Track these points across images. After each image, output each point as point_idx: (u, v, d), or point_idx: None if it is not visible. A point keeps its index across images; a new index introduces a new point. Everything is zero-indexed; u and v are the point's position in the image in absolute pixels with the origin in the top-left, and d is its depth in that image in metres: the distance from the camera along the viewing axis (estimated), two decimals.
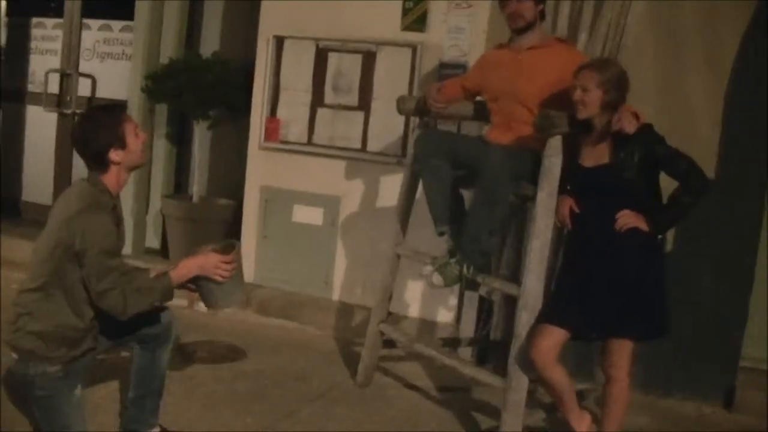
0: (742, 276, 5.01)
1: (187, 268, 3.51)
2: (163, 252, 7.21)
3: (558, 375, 3.92)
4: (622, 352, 3.94)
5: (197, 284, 3.59)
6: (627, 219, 3.79)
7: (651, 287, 3.84)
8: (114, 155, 3.43)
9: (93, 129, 3.44)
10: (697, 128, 4.96)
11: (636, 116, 3.82)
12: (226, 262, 3.55)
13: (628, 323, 3.85)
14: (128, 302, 3.31)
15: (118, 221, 3.55)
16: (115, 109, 3.64)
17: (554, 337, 3.86)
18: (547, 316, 3.96)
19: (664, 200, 3.87)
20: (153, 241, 7.38)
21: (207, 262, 3.53)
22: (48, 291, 3.34)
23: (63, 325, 3.35)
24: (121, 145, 3.44)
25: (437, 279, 4.32)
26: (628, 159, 3.77)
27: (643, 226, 3.77)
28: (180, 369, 4.84)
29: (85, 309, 3.39)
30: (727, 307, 5.03)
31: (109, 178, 3.48)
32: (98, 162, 3.45)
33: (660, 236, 3.89)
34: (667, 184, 3.83)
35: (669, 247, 4.78)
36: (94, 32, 7.74)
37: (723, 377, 5.05)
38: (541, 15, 4.45)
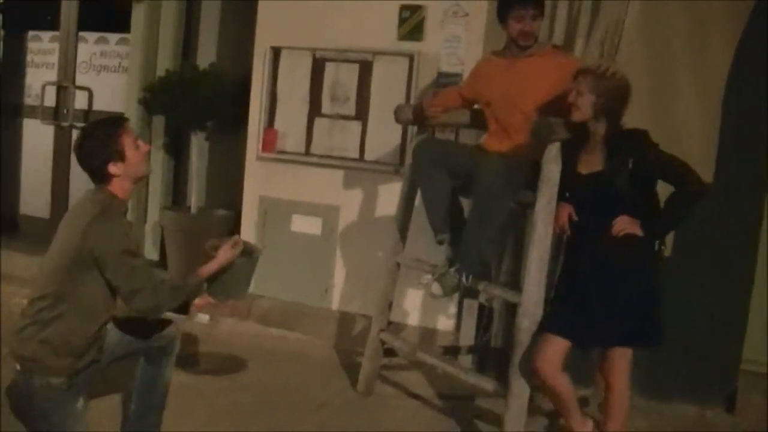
0: (740, 280, 5.01)
1: (214, 263, 3.68)
2: (162, 264, 7.19)
3: (562, 384, 3.92)
4: (622, 359, 3.95)
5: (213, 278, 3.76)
6: (623, 225, 3.78)
7: (648, 295, 3.85)
8: (113, 168, 3.45)
9: (91, 143, 3.48)
10: (692, 140, 4.95)
11: None
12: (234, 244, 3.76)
13: (627, 332, 3.86)
14: (160, 300, 3.41)
15: (130, 227, 3.59)
16: (114, 121, 3.64)
17: (557, 346, 3.86)
18: (549, 325, 3.96)
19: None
20: (151, 253, 7.36)
21: (225, 253, 3.71)
22: (58, 299, 3.35)
23: (71, 333, 3.35)
24: (120, 157, 3.46)
25: (436, 288, 4.32)
26: (622, 165, 3.77)
27: (639, 231, 3.77)
28: (181, 381, 4.84)
29: (95, 318, 3.42)
30: (727, 310, 5.03)
31: (114, 189, 3.50)
32: (99, 176, 3.48)
33: (658, 242, 3.89)
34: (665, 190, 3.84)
35: (668, 252, 4.79)
36: (90, 45, 7.73)
37: (724, 381, 5.05)
38: None
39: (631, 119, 3.94)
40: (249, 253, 3.90)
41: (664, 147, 3.82)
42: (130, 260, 3.36)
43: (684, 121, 4.97)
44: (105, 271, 3.34)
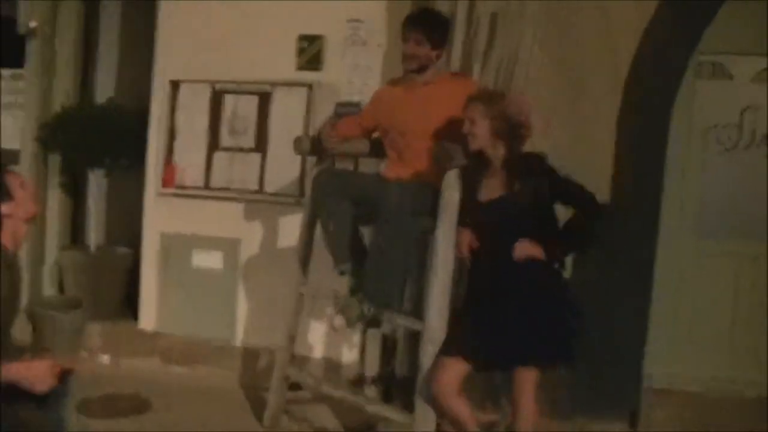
0: (639, 296, 5.08)
1: (15, 371, 3.17)
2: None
3: (458, 406, 3.91)
4: (528, 381, 3.94)
5: None
6: (524, 248, 3.81)
7: (552, 314, 3.86)
8: (4, 208, 3.35)
9: None
10: (593, 154, 5.02)
11: None
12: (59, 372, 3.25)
13: (532, 352, 3.85)
14: None
15: (18, 279, 3.45)
16: None
17: (455, 369, 3.86)
18: (448, 348, 3.95)
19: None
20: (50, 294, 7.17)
21: (30, 373, 3.18)
22: None
23: None
24: (8, 197, 3.36)
25: (339, 321, 4.29)
26: (523, 190, 3.81)
27: (540, 254, 3.80)
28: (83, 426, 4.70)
29: None
30: (627, 328, 5.09)
31: (5, 235, 3.37)
32: None
33: (558, 263, 3.92)
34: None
35: (568, 272, 4.83)
36: None
37: (627, 398, 5.12)
38: (438, 56, 4.49)
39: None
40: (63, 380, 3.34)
41: (565, 162, 3.88)
42: None
43: (585, 136, 5.04)
44: None
